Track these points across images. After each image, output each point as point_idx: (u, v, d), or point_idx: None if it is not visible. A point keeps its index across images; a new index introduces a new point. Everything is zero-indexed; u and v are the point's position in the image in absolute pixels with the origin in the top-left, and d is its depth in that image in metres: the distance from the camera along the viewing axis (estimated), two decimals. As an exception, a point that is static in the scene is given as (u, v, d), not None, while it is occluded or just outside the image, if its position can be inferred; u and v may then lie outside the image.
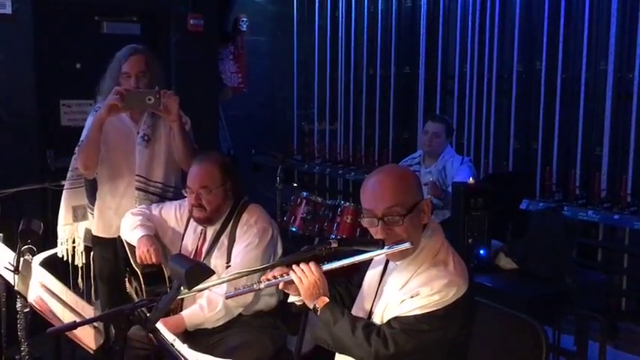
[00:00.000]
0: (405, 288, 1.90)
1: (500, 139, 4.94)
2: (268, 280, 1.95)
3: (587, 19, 4.37)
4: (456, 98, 5.18)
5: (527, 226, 3.23)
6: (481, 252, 3.16)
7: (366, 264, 2.11)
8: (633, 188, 4.14)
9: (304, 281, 1.92)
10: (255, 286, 1.93)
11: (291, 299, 2.05)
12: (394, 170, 2.06)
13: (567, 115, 4.55)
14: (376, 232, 1.92)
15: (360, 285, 2.11)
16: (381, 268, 2.06)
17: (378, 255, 1.93)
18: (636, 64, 4.13)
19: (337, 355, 2.05)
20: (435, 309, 1.84)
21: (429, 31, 5.35)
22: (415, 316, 1.84)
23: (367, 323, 1.91)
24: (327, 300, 1.93)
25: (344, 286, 2.20)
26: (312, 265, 1.92)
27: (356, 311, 2.03)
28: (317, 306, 1.92)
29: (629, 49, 4.23)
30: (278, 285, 1.99)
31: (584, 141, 4.44)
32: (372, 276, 2.08)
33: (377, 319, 1.94)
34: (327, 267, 1.93)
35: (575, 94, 4.49)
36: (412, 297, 1.86)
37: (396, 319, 1.87)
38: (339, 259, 1.95)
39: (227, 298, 2.21)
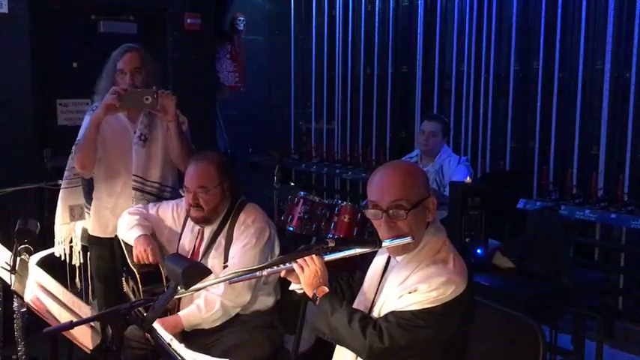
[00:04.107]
0: (403, 284, 1.91)
1: (497, 138, 4.95)
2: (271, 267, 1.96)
3: (584, 18, 4.38)
4: (454, 97, 5.18)
5: (525, 226, 3.23)
6: (478, 251, 3.16)
7: (369, 261, 2.12)
8: (630, 187, 4.15)
9: (305, 270, 1.94)
10: (258, 272, 1.94)
11: (292, 287, 2.06)
12: (403, 165, 2.08)
13: (564, 115, 4.55)
14: (379, 225, 1.93)
15: (361, 282, 2.12)
16: (382, 264, 2.07)
17: (378, 249, 1.94)
18: (633, 63, 4.14)
19: (335, 353, 2.05)
20: (432, 305, 1.84)
21: (426, 30, 5.35)
22: (412, 312, 1.85)
23: (364, 316, 1.92)
24: (327, 290, 1.95)
25: (346, 281, 2.22)
26: (313, 255, 1.93)
27: (357, 306, 2.04)
28: (316, 295, 1.94)
29: (625, 49, 4.24)
30: (279, 276, 2.02)
31: (581, 140, 4.45)
32: (373, 273, 2.09)
33: (376, 315, 1.95)
34: (328, 257, 1.95)
35: (572, 94, 4.50)
36: (410, 292, 1.87)
37: (392, 313, 1.88)
38: (342, 252, 1.96)
39: (230, 283, 2.21)
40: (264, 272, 1.94)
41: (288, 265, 1.95)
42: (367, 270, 2.11)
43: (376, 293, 2.02)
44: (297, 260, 1.94)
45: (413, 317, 1.84)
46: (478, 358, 2.20)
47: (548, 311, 3.02)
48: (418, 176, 1.97)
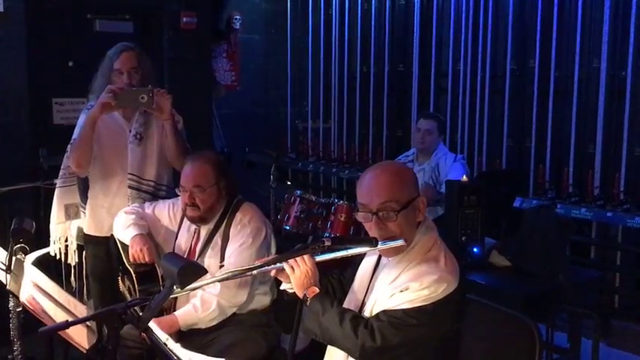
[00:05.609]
0: (395, 282, 1.91)
1: (493, 136, 4.95)
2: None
3: (579, 17, 4.38)
4: (450, 96, 5.19)
5: (521, 224, 3.24)
6: (474, 250, 3.16)
7: (360, 259, 2.12)
8: (626, 186, 4.16)
9: (296, 271, 1.93)
10: (248, 272, 1.93)
11: (283, 286, 2.06)
12: (390, 166, 2.07)
13: (560, 113, 4.56)
14: (370, 227, 1.93)
15: (352, 279, 2.12)
16: (373, 263, 2.07)
17: (372, 250, 1.94)
18: (629, 61, 4.15)
19: (327, 353, 2.05)
20: (423, 304, 1.84)
21: (422, 29, 5.35)
22: (403, 310, 1.85)
23: (355, 315, 1.92)
24: (318, 290, 1.94)
25: (337, 279, 2.22)
26: (304, 255, 1.93)
27: (347, 305, 2.04)
28: (307, 296, 1.93)
29: (621, 47, 4.24)
30: (271, 276, 2.02)
31: (577, 139, 4.45)
32: (364, 271, 2.09)
33: (367, 314, 1.95)
34: (319, 258, 1.95)
35: (569, 92, 4.50)
36: (402, 291, 1.87)
37: (384, 312, 1.88)
38: (333, 252, 1.96)
39: (220, 281, 2.21)
40: (255, 272, 1.94)
41: (279, 264, 1.95)
42: (358, 268, 2.11)
43: (367, 292, 2.02)
44: (288, 261, 1.93)
45: (405, 316, 1.84)
46: (474, 356, 2.21)
47: (545, 309, 3.03)
48: (407, 177, 1.97)
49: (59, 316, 2.12)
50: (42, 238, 3.34)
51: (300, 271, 1.93)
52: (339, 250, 1.93)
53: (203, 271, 1.78)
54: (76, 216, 3.37)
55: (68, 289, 3.33)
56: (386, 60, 5.59)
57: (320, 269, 1.99)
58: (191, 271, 1.72)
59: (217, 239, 2.77)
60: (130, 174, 3.13)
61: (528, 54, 4.72)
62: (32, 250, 2.42)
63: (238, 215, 2.78)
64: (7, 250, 2.37)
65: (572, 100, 4.45)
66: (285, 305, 2.14)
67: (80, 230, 3.37)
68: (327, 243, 1.88)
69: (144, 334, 1.74)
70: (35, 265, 2.37)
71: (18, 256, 2.35)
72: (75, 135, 3.14)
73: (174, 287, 1.71)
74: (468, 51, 5.00)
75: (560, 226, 3.22)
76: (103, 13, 4.81)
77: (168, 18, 5.03)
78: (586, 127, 4.45)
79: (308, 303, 1.93)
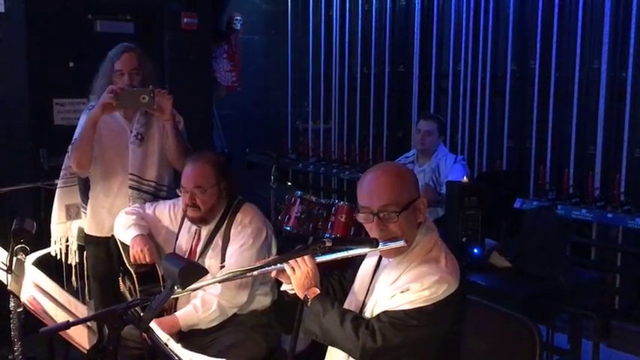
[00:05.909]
0: (395, 283, 1.91)
1: (494, 138, 4.95)
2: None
3: (580, 18, 4.38)
4: (450, 97, 5.19)
5: (521, 225, 3.24)
6: (475, 251, 3.17)
7: (360, 260, 2.12)
8: (626, 187, 4.16)
9: (297, 271, 1.93)
10: (248, 273, 1.93)
11: (283, 287, 2.06)
12: (391, 167, 2.07)
13: (561, 114, 4.56)
14: (371, 228, 1.94)
15: (352, 280, 2.12)
16: (373, 264, 2.07)
17: (372, 250, 1.95)
18: (629, 63, 4.15)
19: (327, 354, 2.05)
20: (424, 304, 1.85)
21: (423, 29, 5.35)
22: (404, 311, 1.85)
23: (356, 316, 1.92)
24: (318, 291, 1.94)
25: (337, 280, 2.22)
26: (305, 256, 1.93)
27: (347, 306, 2.04)
28: (308, 297, 1.93)
29: (622, 49, 4.24)
30: (271, 277, 2.02)
31: (577, 140, 4.46)
32: (364, 272, 2.09)
33: (368, 315, 1.95)
34: (320, 259, 1.95)
35: (569, 93, 4.50)
36: (402, 292, 1.87)
37: (385, 313, 1.88)
38: (334, 253, 1.96)
39: (221, 282, 2.21)
40: (255, 273, 1.94)
41: (279, 265, 1.95)
42: (358, 269, 2.11)
43: (367, 293, 2.02)
44: (289, 261, 1.94)
45: (405, 317, 1.84)
46: (474, 357, 2.21)
47: (545, 311, 3.03)
48: (407, 178, 1.97)
49: (60, 317, 2.12)
50: (42, 238, 3.35)
51: (301, 272, 1.93)
52: (339, 250, 1.93)
53: (204, 272, 1.78)
54: (77, 216, 3.37)
55: (69, 289, 3.33)
56: (386, 61, 5.60)
57: (320, 270, 1.99)
58: (192, 271, 1.72)
59: (218, 240, 2.77)
60: (130, 174, 3.14)
61: (529, 55, 4.72)
62: (33, 251, 2.43)
63: (239, 216, 2.78)
64: (7, 251, 2.37)
65: (573, 101, 4.45)
66: (286, 306, 2.13)
67: (81, 230, 3.37)
68: (328, 244, 1.88)
69: (145, 335, 1.74)
70: (36, 266, 2.37)
71: (19, 257, 2.35)
72: (76, 135, 3.14)
73: (175, 288, 1.71)
74: (469, 52, 5.00)
75: (561, 227, 3.22)
76: (104, 14, 4.82)
77: (169, 19, 5.03)
78: (586, 129, 4.45)
79: (309, 304, 1.93)
